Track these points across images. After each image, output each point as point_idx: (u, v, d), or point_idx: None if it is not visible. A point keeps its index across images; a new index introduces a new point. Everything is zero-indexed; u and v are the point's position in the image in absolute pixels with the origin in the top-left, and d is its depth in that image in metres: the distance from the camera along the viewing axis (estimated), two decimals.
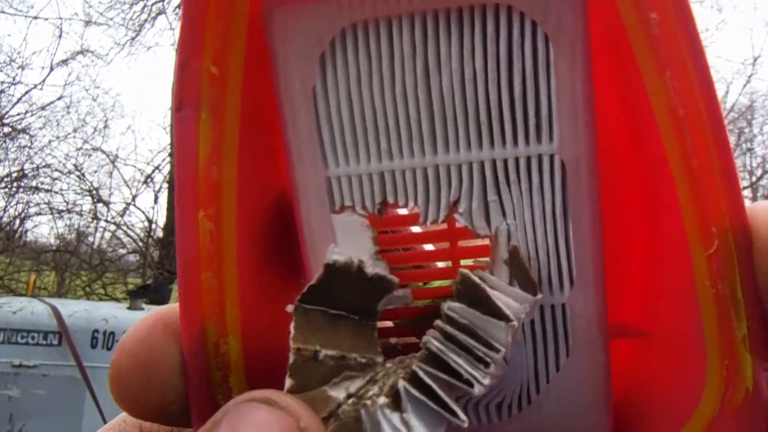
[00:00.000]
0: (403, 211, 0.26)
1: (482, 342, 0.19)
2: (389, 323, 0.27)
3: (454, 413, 0.18)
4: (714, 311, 0.21)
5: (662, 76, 0.20)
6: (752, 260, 0.19)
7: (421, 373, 0.19)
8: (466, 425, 0.18)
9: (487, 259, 0.25)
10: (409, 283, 0.25)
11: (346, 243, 0.23)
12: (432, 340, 0.19)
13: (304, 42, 0.21)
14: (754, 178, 7.25)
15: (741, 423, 0.21)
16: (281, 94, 0.22)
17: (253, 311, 0.24)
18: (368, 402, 0.19)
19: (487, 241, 0.25)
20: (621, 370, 0.24)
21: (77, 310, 2.57)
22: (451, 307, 0.20)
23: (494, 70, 0.21)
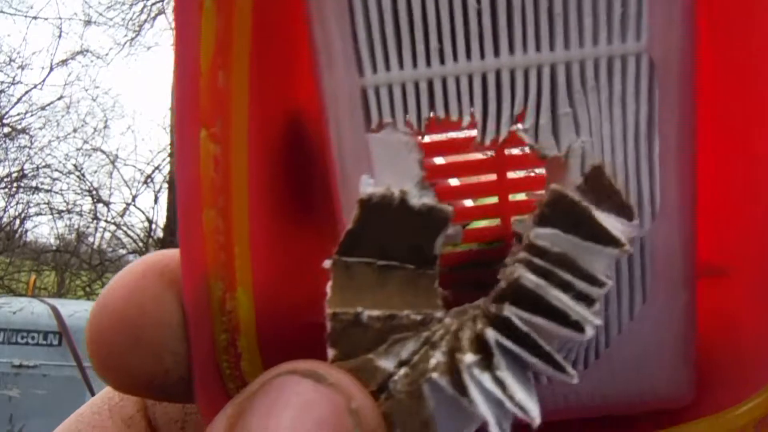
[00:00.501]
0: (440, 136, 0.22)
1: (583, 275, 0.15)
2: None
3: (561, 367, 0.15)
4: None
5: None
6: None
7: (515, 320, 0.15)
8: (576, 381, 0.15)
9: (542, 191, 0.21)
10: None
11: (386, 169, 0.18)
12: (526, 275, 0.15)
13: None
14: None
15: None
16: None
17: (268, 259, 0.19)
18: (432, 373, 0.15)
19: (539, 172, 0.21)
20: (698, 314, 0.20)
21: (77, 311, 2.54)
22: (539, 234, 0.16)
23: None
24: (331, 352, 0.16)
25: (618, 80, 0.18)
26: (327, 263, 0.17)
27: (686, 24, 0.17)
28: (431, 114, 0.18)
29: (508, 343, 0.15)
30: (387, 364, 0.16)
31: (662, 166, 0.18)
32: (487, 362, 0.15)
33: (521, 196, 0.22)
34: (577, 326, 0.15)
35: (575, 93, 0.18)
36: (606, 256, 0.15)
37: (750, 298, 0.20)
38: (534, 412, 0.15)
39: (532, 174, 0.22)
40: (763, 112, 0.18)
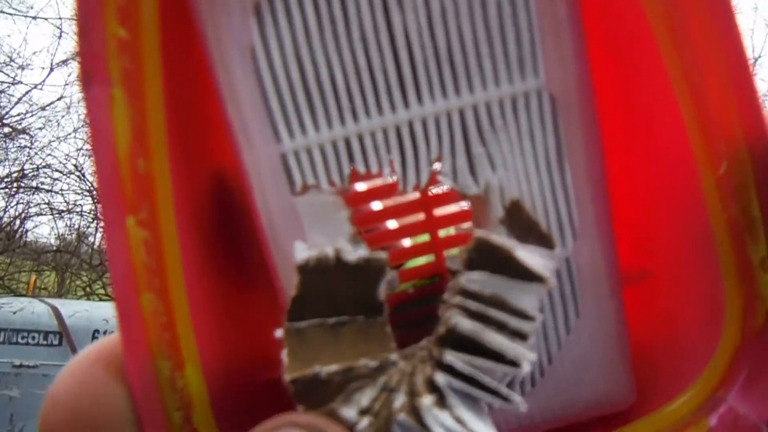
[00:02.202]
0: (361, 186, 0.22)
1: (514, 312, 0.16)
2: None
3: (507, 399, 0.15)
4: (728, 236, 0.19)
5: None
6: None
7: (457, 364, 0.16)
8: (523, 408, 0.15)
9: (469, 224, 0.22)
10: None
11: (317, 228, 0.19)
12: (461, 321, 0.16)
13: None
14: None
15: (766, 349, 0.19)
16: (213, 59, 0.18)
17: (212, 330, 0.20)
18: (399, 414, 0.15)
19: (463, 207, 0.22)
20: (629, 319, 0.22)
21: (78, 311, 2.51)
22: (470, 279, 0.16)
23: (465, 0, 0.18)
24: (300, 409, 0.16)
25: (524, 117, 0.19)
26: (278, 333, 0.18)
27: (579, 58, 0.18)
28: (352, 170, 0.19)
29: (458, 384, 0.16)
30: (349, 413, 0.17)
31: (576, 190, 0.19)
32: (443, 402, 0.16)
33: (451, 231, 0.22)
34: (515, 363, 0.16)
35: (486, 133, 0.19)
36: (533, 292, 0.16)
37: (673, 299, 0.22)
38: None
39: (458, 209, 0.23)
40: (655, 128, 0.20)
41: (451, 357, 0.16)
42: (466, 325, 0.16)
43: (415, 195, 0.22)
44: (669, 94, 0.18)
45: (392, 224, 0.23)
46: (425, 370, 0.16)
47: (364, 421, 0.16)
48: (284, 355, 0.17)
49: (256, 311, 0.22)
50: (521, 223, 0.18)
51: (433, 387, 0.16)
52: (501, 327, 0.16)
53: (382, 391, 0.17)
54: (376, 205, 0.22)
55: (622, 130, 0.21)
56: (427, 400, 0.15)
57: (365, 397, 0.16)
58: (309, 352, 0.18)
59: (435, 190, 0.22)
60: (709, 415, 0.20)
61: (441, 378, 0.16)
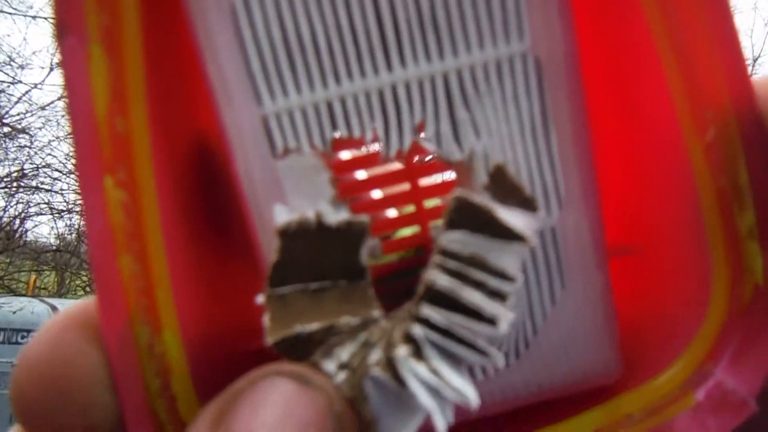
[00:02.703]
0: (345, 154, 0.22)
1: (494, 272, 0.16)
2: None
3: (486, 353, 0.15)
4: (715, 205, 0.18)
5: None
6: (764, 138, 0.17)
7: (435, 316, 0.15)
8: (501, 364, 0.15)
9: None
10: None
11: (298, 192, 0.19)
12: (438, 278, 0.16)
13: None
14: None
15: (754, 320, 0.19)
16: (193, 17, 0.17)
17: (191, 296, 0.19)
18: (373, 368, 0.15)
19: (449, 177, 0.22)
20: (615, 292, 0.21)
21: None
22: (450, 238, 0.16)
23: None
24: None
25: (508, 81, 0.18)
26: (259, 299, 0.17)
27: (565, 22, 0.18)
28: (334, 134, 0.18)
29: (435, 336, 0.16)
30: (329, 366, 0.17)
31: (561, 158, 0.19)
32: (419, 354, 0.15)
33: (437, 202, 0.22)
34: (492, 322, 0.15)
35: (470, 98, 0.18)
36: (514, 252, 0.16)
37: (660, 272, 0.21)
38: (471, 396, 0.15)
39: (444, 179, 0.22)
40: (641, 96, 0.20)
41: (429, 310, 0.16)
42: (443, 281, 0.16)
43: (400, 165, 0.22)
44: (655, 60, 0.18)
45: (377, 194, 0.23)
46: (403, 325, 0.16)
47: (342, 375, 0.16)
48: (265, 320, 0.17)
49: (237, 278, 0.21)
50: (505, 188, 0.18)
51: (409, 339, 0.16)
52: (480, 286, 0.16)
53: (362, 347, 0.16)
54: (360, 174, 0.22)
55: (608, 99, 0.21)
56: (402, 351, 0.15)
57: (345, 352, 0.16)
58: (290, 316, 0.17)
59: (419, 160, 0.22)
60: (696, 389, 0.20)
61: (418, 330, 0.16)
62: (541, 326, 0.20)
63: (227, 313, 0.21)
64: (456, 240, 0.16)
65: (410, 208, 0.22)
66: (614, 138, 0.21)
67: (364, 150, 0.21)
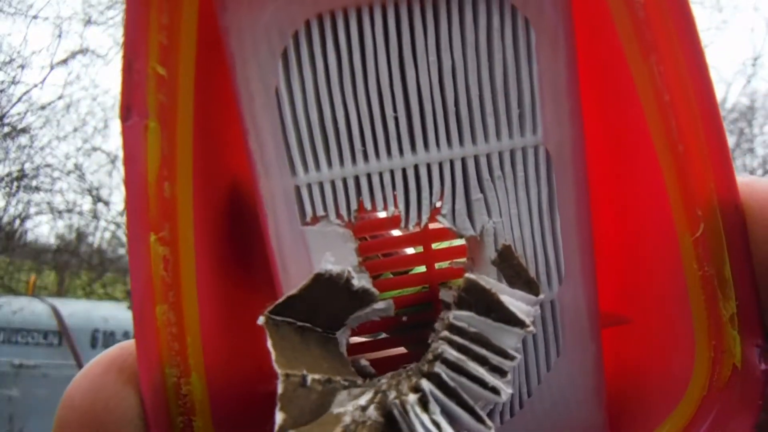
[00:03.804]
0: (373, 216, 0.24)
1: (495, 351, 0.18)
2: (358, 339, 0.25)
3: (481, 419, 0.17)
4: (701, 293, 0.20)
5: (647, 61, 0.19)
6: (746, 236, 0.19)
7: (444, 375, 0.17)
8: (492, 430, 0.17)
9: (463, 260, 0.23)
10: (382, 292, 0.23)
11: (323, 257, 0.20)
12: (448, 350, 0.18)
13: (263, 37, 0.19)
14: None
15: (731, 398, 0.21)
16: (240, 96, 0.19)
17: (217, 344, 0.21)
18: (397, 399, 0.17)
19: (461, 242, 0.24)
20: (605, 361, 0.23)
21: (77, 310, 2.57)
22: (458, 316, 0.18)
23: (473, 60, 0.19)
24: (280, 416, 0.17)
25: (520, 168, 0.20)
26: (261, 320, 0.19)
27: (574, 119, 0.20)
28: (359, 206, 0.20)
29: (439, 394, 0.17)
30: (346, 410, 0.18)
31: (564, 238, 0.21)
32: (425, 405, 0.17)
33: (446, 264, 0.24)
34: (495, 391, 0.17)
35: (484, 181, 0.20)
36: (514, 335, 0.18)
37: (648, 346, 0.23)
38: None
39: (453, 244, 0.24)
40: (640, 191, 0.21)
41: (440, 368, 0.17)
42: (452, 354, 0.18)
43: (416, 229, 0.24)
44: (653, 158, 0.20)
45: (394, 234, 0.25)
46: (411, 380, 0.18)
47: (371, 407, 0.17)
48: (269, 345, 0.19)
49: (257, 327, 0.23)
50: (511, 266, 0.20)
51: (417, 389, 0.18)
52: (483, 361, 0.18)
53: (376, 394, 0.18)
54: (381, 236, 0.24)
55: (611, 190, 0.23)
56: (411, 398, 0.17)
57: (364, 398, 0.18)
58: (288, 349, 0.19)
59: (434, 226, 0.23)
60: None
61: (425, 384, 0.18)
62: (536, 389, 0.22)
63: (248, 358, 0.23)
64: (464, 318, 0.18)
65: (421, 268, 0.24)
66: (615, 222, 0.23)
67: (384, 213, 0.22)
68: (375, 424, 0.17)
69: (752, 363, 0.20)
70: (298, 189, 0.20)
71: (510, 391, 0.17)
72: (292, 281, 0.20)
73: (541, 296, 0.20)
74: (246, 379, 0.23)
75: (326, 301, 0.20)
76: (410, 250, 0.25)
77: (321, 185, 0.20)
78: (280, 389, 0.18)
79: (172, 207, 0.19)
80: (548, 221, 0.21)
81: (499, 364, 0.18)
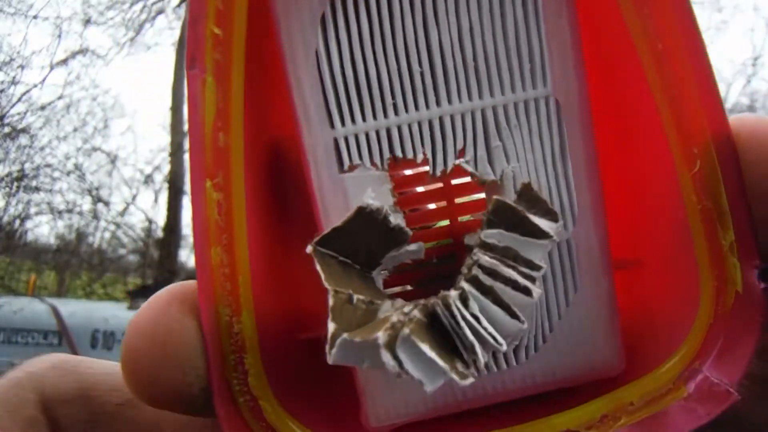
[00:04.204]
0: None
1: (524, 262, 0.20)
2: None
3: (516, 315, 0.19)
4: (702, 226, 0.22)
5: (641, 14, 0.21)
6: (738, 167, 0.21)
7: (482, 278, 0.19)
8: (525, 326, 0.19)
9: (485, 212, 0.25)
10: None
11: (361, 199, 0.23)
12: (482, 257, 0.20)
13: (305, 4, 0.22)
14: None
15: (735, 323, 0.22)
16: (285, 57, 0.22)
17: (264, 286, 0.23)
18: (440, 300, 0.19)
19: (481, 196, 0.26)
20: (618, 300, 0.25)
21: (77, 310, 2.60)
22: (488, 234, 0.20)
23: (489, 20, 0.22)
24: (332, 326, 0.19)
25: (533, 118, 0.23)
26: (309, 249, 0.21)
27: (579, 72, 0.23)
28: (392, 154, 0.23)
29: (477, 293, 0.19)
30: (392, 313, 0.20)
31: (576, 181, 0.23)
32: (465, 301, 0.19)
33: (468, 218, 0.26)
34: (527, 291, 0.19)
35: (502, 129, 0.23)
36: (541, 247, 0.20)
37: (656, 282, 0.25)
38: (501, 340, 0.19)
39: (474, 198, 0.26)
40: (641, 134, 0.24)
41: (476, 272, 0.19)
42: (486, 259, 0.19)
43: (439, 185, 0.26)
44: (652, 106, 0.22)
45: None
46: (453, 288, 0.20)
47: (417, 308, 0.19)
48: (318, 268, 0.21)
49: (301, 276, 0.25)
50: (531, 201, 0.22)
51: (462, 290, 0.20)
52: (514, 269, 0.20)
53: (417, 303, 0.20)
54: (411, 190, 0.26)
55: (613, 135, 0.25)
56: (453, 294, 0.19)
57: (407, 307, 0.20)
58: (335, 273, 0.21)
59: (456, 182, 0.26)
60: (687, 383, 0.23)
61: (465, 284, 0.19)
62: (556, 324, 0.24)
63: (292, 302, 0.24)
64: (494, 235, 0.20)
65: (445, 222, 0.26)
66: (617, 168, 0.25)
67: (410, 171, 0.25)
68: (420, 321, 0.18)
69: (752, 285, 0.22)
70: (336, 141, 0.23)
71: (540, 290, 0.19)
72: (333, 224, 0.22)
73: (561, 222, 0.22)
74: (291, 323, 0.24)
75: (366, 236, 0.22)
76: (433, 207, 0.27)
77: (356, 137, 0.23)
78: (330, 302, 0.19)
79: (225, 155, 0.21)
80: (561, 166, 0.23)
81: (528, 273, 0.20)
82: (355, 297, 0.20)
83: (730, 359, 0.23)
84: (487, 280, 0.19)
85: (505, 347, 0.19)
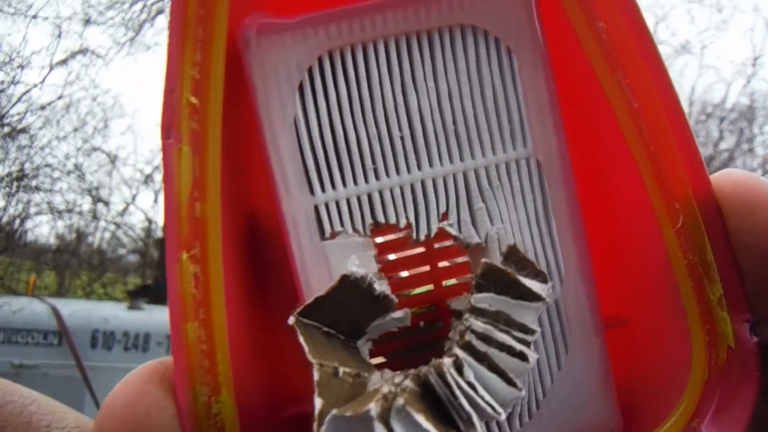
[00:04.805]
0: (378, 239, 0.26)
1: (517, 326, 0.19)
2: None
3: (512, 382, 0.18)
4: (689, 281, 0.22)
5: (615, 76, 0.22)
6: (722, 220, 0.21)
7: (475, 344, 0.18)
8: (522, 393, 0.18)
9: (469, 276, 0.25)
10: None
11: (342, 268, 0.22)
12: (475, 322, 0.19)
13: (283, 72, 0.21)
14: None
15: (730, 377, 0.22)
16: (263, 125, 0.22)
17: (244, 363, 0.22)
18: (431, 367, 0.18)
19: (465, 259, 0.26)
20: (612, 362, 0.24)
21: (77, 310, 2.57)
22: (478, 299, 0.19)
23: (466, 85, 0.22)
24: (319, 402, 0.18)
25: (515, 178, 0.23)
26: (291, 320, 0.20)
27: (558, 132, 0.23)
28: (373, 221, 0.22)
29: (471, 360, 0.18)
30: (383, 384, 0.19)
31: (561, 240, 0.23)
32: (459, 368, 0.18)
33: (453, 281, 0.26)
34: (522, 357, 0.18)
35: (485, 191, 0.22)
36: (533, 310, 0.19)
37: (647, 340, 0.25)
38: (498, 409, 0.18)
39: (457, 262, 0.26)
40: (623, 193, 0.24)
41: (469, 337, 0.18)
42: (479, 326, 0.19)
43: (422, 249, 0.25)
44: (631, 163, 0.22)
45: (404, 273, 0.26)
46: (446, 354, 0.19)
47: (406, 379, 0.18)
48: (301, 340, 0.20)
49: (283, 349, 0.24)
50: (518, 264, 0.21)
51: (456, 358, 0.19)
52: (507, 333, 0.19)
53: (407, 373, 0.19)
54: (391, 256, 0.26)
55: (596, 194, 0.25)
56: (447, 361, 0.18)
57: (398, 378, 0.19)
58: (319, 345, 0.20)
59: (439, 245, 0.25)
60: None
61: (459, 351, 0.18)
62: (549, 389, 0.23)
63: (274, 380, 0.23)
64: (484, 299, 0.20)
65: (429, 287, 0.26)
66: (601, 226, 0.25)
67: (393, 236, 0.24)
68: (413, 391, 0.17)
69: (744, 338, 0.22)
70: (317, 208, 0.22)
71: (536, 355, 0.19)
72: (315, 294, 0.22)
73: (550, 283, 0.21)
74: (274, 400, 0.23)
75: (350, 305, 0.21)
76: (416, 272, 0.26)
77: (337, 203, 0.22)
78: (316, 377, 0.18)
79: (202, 226, 0.21)
80: (545, 225, 0.23)
81: (522, 338, 0.19)
82: (341, 370, 0.19)
83: (728, 416, 0.22)
84: (481, 346, 0.18)
85: (503, 416, 0.18)
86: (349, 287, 0.21)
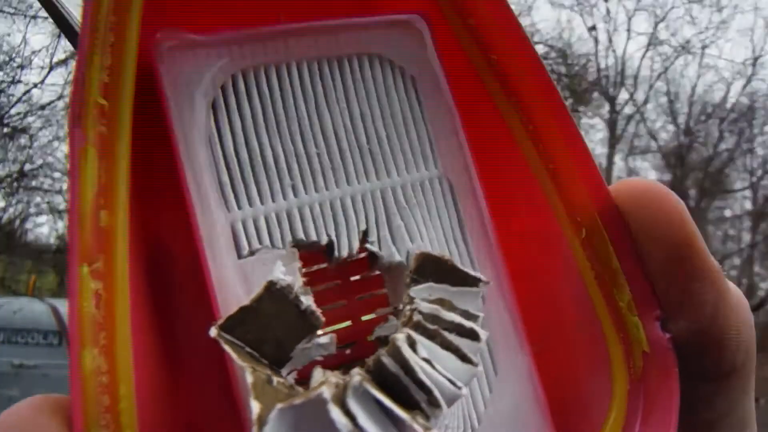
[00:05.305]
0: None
1: (461, 313, 0.18)
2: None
3: (467, 358, 0.17)
4: (599, 290, 0.23)
5: (510, 100, 0.24)
6: (624, 227, 0.23)
7: (425, 323, 0.17)
8: (480, 369, 0.17)
9: (388, 308, 0.24)
10: None
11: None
12: (420, 304, 0.18)
13: (196, 87, 0.21)
14: (754, 179, 7.00)
15: (651, 382, 0.22)
16: (177, 140, 0.21)
17: (153, 397, 0.19)
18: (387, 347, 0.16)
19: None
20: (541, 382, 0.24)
21: None
22: (416, 290, 0.19)
23: (377, 107, 0.23)
24: (256, 406, 0.16)
25: (431, 198, 0.23)
26: (213, 332, 0.18)
27: (464, 154, 0.24)
28: (293, 238, 0.21)
29: (423, 338, 0.17)
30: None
31: (478, 260, 0.23)
32: (412, 345, 0.16)
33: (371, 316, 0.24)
34: (473, 334, 0.17)
35: (402, 209, 0.23)
36: (475, 294, 0.19)
37: (573, 355, 0.25)
38: (459, 383, 0.16)
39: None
40: (529, 211, 0.25)
41: (417, 317, 0.17)
42: (425, 306, 0.18)
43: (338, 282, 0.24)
44: (534, 183, 0.24)
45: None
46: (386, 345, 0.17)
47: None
48: (227, 349, 0.17)
49: (196, 385, 0.21)
50: (443, 270, 0.21)
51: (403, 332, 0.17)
52: (455, 313, 0.18)
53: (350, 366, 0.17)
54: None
55: (505, 214, 0.26)
56: (400, 336, 0.16)
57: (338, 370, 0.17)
58: (244, 355, 0.18)
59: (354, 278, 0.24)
60: None
61: (409, 330, 0.17)
62: (483, 414, 0.22)
63: (185, 418, 0.20)
64: (423, 289, 0.19)
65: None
66: (514, 245, 0.26)
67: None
68: (365, 376, 0.16)
69: (658, 338, 0.23)
70: (234, 225, 0.21)
71: (487, 333, 0.18)
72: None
73: (486, 281, 0.21)
74: None
75: (275, 321, 0.19)
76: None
77: (255, 220, 0.21)
78: (250, 380, 0.16)
79: (108, 238, 0.18)
80: (462, 244, 0.23)
81: (467, 324, 0.18)
82: (275, 379, 0.17)
83: (658, 418, 0.22)
84: (430, 325, 0.17)
85: (465, 390, 0.16)
86: (275, 297, 0.19)
